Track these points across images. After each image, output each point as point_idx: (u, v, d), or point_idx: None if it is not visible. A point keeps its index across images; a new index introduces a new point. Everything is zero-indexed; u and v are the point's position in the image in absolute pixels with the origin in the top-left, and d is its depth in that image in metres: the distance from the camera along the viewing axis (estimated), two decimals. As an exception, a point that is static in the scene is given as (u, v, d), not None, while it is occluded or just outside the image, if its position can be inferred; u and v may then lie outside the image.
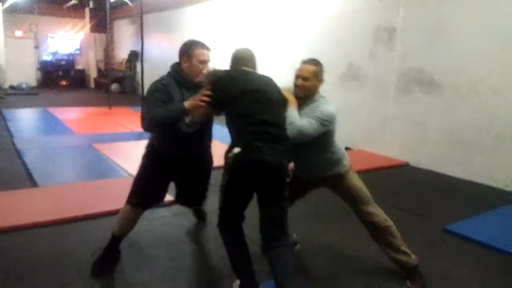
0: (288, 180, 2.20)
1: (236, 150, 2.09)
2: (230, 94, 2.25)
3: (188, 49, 2.50)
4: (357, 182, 2.62)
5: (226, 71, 2.47)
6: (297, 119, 2.34)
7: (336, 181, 2.60)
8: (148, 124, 2.38)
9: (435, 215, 3.79)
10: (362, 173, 4.77)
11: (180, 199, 2.99)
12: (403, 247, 2.59)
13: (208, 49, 2.57)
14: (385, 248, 2.61)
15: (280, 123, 2.27)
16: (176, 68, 2.54)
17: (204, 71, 2.50)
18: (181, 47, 2.57)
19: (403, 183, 4.91)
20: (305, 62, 2.57)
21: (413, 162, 5.60)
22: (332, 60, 6.63)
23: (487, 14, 4.78)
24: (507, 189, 4.61)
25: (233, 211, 2.26)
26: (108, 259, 2.61)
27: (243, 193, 2.24)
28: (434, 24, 5.30)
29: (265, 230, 2.22)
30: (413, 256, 2.59)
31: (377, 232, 2.59)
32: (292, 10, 7.46)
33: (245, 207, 2.28)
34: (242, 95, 2.22)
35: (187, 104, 2.33)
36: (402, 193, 4.50)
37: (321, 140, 2.45)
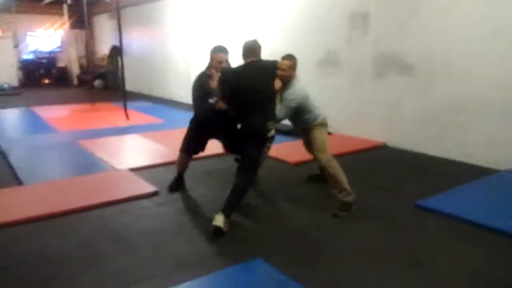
0: (268, 135, 3.38)
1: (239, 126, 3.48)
2: (228, 91, 3.24)
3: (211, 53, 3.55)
4: (319, 134, 3.61)
5: (229, 70, 3.45)
6: (277, 111, 3.43)
7: (309, 131, 3.69)
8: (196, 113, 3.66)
9: (408, 192, 3.97)
10: (342, 156, 4.99)
11: (226, 150, 4.03)
12: (344, 187, 3.45)
13: (224, 52, 3.54)
14: (330, 184, 3.56)
15: (263, 101, 3.30)
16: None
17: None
18: None
19: (380, 163, 5.08)
20: (283, 58, 3.52)
21: (390, 143, 5.78)
22: (311, 46, 6.76)
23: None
24: (480, 164, 4.81)
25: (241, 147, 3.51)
26: (178, 183, 4.05)
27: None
28: (406, 8, 5.43)
29: (242, 164, 3.51)
30: (351, 197, 3.48)
31: (324, 171, 3.56)
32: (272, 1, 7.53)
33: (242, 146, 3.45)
34: (235, 89, 3.21)
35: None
36: (378, 173, 4.67)
37: (300, 111, 3.55)
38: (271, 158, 5.07)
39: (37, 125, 7.50)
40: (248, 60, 3.34)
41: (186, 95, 10.34)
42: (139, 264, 2.69)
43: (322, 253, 2.86)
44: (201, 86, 3.44)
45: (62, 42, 15.47)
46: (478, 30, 4.73)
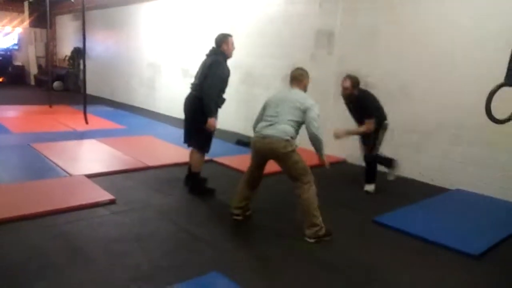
0: None
1: None
2: None
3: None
4: None
5: None
6: None
7: None
8: None
9: (366, 208, 4.08)
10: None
11: None
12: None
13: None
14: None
15: None
16: None
17: None
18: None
19: (340, 179, 5.20)
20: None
21: (350, 159, 5.93)
22: (277, 62, 6.86)
23: (415, 22, 5.17)
24: (432, 183, 5.02)
25: None
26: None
27: None
28: (368, 30, 5.65)
29: None
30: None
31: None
32: (239, 12, 7.59)
33: None
34: None
35: None
36: (337, 188, 4.78)
37: None
38: (231, 168, 5.07)
39: (-13, 125, 7.11)
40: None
41: (150, 102, 10.18)
42: (93, 277, 2.58)
43: (280, 268, 2.86)
44: None
45: (20, 40, 14.85)
46: (433, 56, 4.99)
